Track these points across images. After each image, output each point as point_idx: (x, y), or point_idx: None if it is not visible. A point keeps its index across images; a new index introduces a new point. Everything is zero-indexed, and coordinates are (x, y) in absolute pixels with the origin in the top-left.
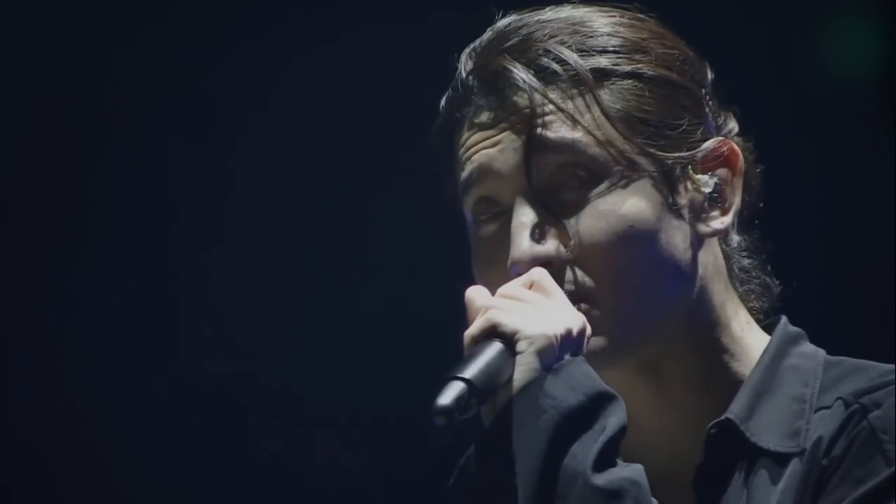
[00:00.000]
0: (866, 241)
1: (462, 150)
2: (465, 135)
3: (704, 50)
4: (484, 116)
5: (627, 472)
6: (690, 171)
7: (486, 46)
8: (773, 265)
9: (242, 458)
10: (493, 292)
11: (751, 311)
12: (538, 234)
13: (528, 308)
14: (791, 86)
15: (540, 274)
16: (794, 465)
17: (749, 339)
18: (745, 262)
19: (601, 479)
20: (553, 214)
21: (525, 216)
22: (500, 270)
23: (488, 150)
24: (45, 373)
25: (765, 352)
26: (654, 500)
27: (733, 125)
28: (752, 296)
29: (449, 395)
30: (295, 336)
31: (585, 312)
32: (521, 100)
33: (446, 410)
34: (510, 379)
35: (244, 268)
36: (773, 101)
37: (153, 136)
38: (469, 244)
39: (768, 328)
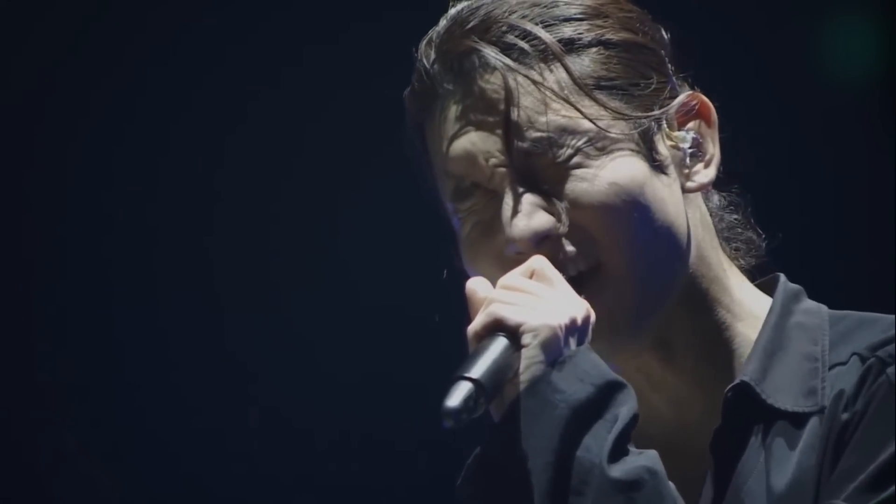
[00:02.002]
0: (866, 241)
1: (437, 140)
2: (439, 124)
3: (705, 50)
4: (455, 102)
5: (643, 460)
6: (666, 129)
7: (446, 32)
8: (773, 265)
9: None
10: (487, 276)
11: (740, 269)
12: (529, 211)
13: (531, 299)
14: (791, 86)
15: (540, 262)
16: (813, 424)
17: (746, 298)
18: (730, 218)
19: (618, 471)
20: (540, 190)
21: (513, 195)
22: (493, 254)
23: (466, 134)
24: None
25: (770, 311)
26: (671, 485)
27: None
28: (739, 254)
29: (457, 396)
30: (291, 337)
31: (595, 290)
32: (492, 80)
33: (455, 412)
34: (517, 373)
35: (238, 266)
36: (773, 101)
37: (137, 140)
38: (447, 235)
39: (765, 286)
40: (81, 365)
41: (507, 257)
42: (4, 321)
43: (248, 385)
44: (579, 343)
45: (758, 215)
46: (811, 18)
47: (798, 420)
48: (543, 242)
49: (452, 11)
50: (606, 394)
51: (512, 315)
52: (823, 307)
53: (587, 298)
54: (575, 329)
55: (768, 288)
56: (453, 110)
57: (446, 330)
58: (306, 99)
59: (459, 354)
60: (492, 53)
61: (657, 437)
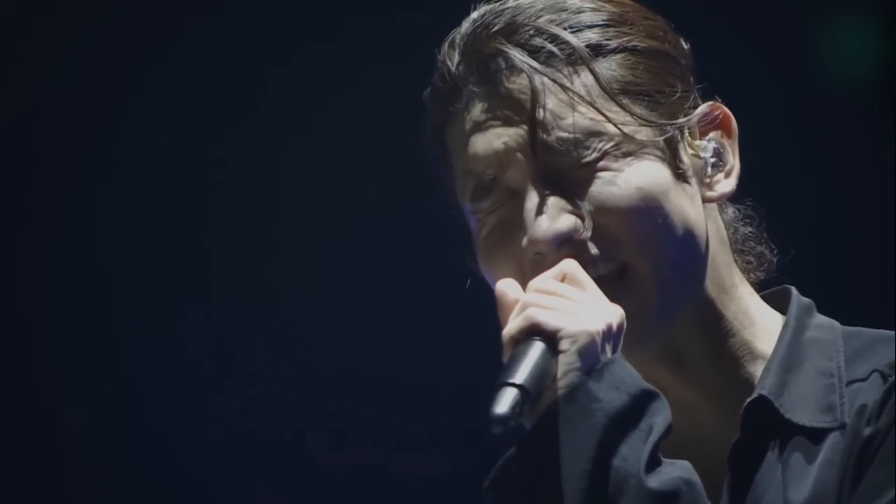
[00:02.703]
0: (866, 242)
1: (461, 141)
2: (462, 124)
3: (705, 50)
4: (481, 103)
5: (679, 471)
6: (688, 137)
7: (471, 34)
8: (775, 267)
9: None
10: (507, 279)
11: (750, 283)
12: (552, 213)
13: (567, 303)
14: (791, 86)
15: (571, 266)
16: (832, 440)
17: (758, 311)
18: (744, 230)
19: (655, 482)
20: (564, 193)
21: (537, 196)
22: (513, 255)
23: (491, 135)
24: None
25: (785, 325)
26: (704, 495)
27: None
28: (751, 267)
29: (505, 402)
30: (292, 334)
31: (618, 294)
32: (518, 82)
33: (504, 419)
34: (554, 379)
35: (239, 264)
36: (773, 101)
37: (141, 135)
38: (461, 237)
39: (774, 298)
40: (82, 365)
41: (527, 259)
42: (6, 321)
43: (250, 384)
44: (613, 349)
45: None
46: (811, 19)
47: (817, 435)
48: (565, 244)
49: (475, 14)
50: (642, 403)
51: (550, 320)
52: (836, 323)
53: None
54: (610, 335)
55: (778, 300)
56: (478, 109)
57: (458, 327)
58: (310, 97)
59: (469, 351)
60: (518, 56)
61: (666, 448)
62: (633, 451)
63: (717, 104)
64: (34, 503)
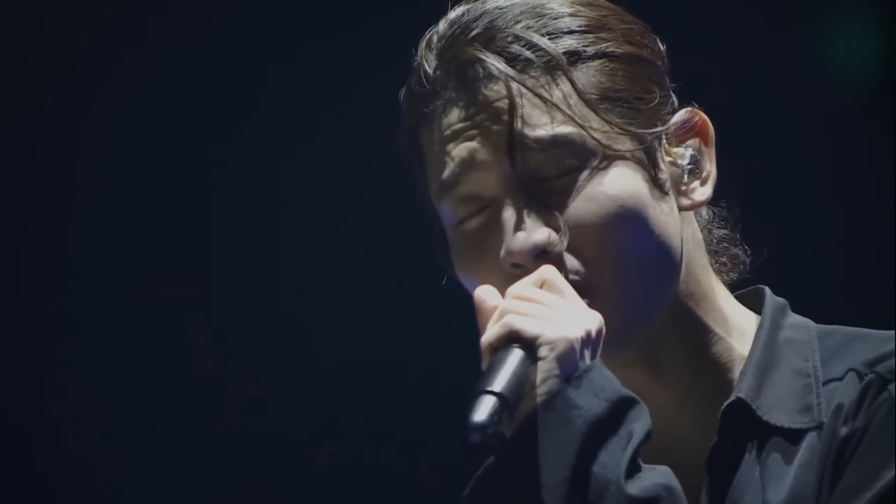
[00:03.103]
0: (866, 242)
1: (436, 147)
2: (438, 131)
3: (705, 50)
4: (457, 110)
5: (659, 476)
6: (666, 145)
7: (449, 38)
8: (771, 265)
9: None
10: (486, 285)
11: (724, 283)
12: (529, 224)
13: (545, 310)
14: (791, 86)
15: (550, 272)
16: (810, 440)
17: (732, 313)
18: (719, 232)
19: (635, 488)
20: (542, 203)
21: (514, 206)
22: (489, 265)
23: (468, 143)
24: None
25: (760, 327)
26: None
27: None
28: (725, 268)
29: (483, 410)
30: (294, 333)
31: (596, 302)
32: (496, 90)
33: (482, 427)
34: (533, 386)
35: (239, 263)
36: (773, 101)
37: (142, 136)
38: (437, 238)
39: (748, 299)
40: (82, 364)
41: (504, 269)
42: (6, 321)
43: (251, 384)
44: (592, 356)
45: (757, 216)
46: (811, 19)
47: (794, 436)
48: (542, 256)
49: (453, 15)
50: (621, 409)
51: (528, 327)
52: (810, 322)
53: None
54: (589, 341)
55: (752, 300)
56: (455, 116)
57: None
58: (311, 97)
59: (471, 351)
60: (497, 64)
61: (644, 452)
62: (612, 458)
63: (695, 110)
64: (34, 503)
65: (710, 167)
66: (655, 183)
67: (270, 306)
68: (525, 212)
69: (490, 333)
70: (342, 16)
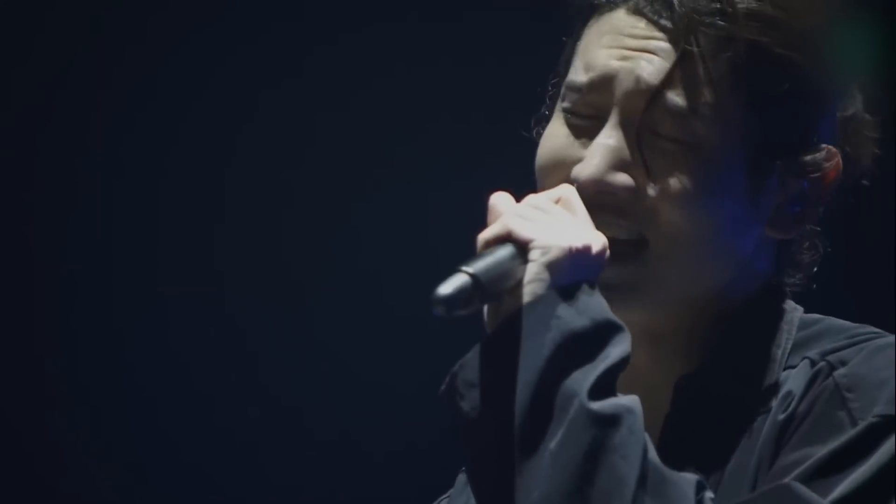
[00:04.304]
0: (866, 242)
1: (597, 36)
2: (609, 24)
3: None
4: (634, 19)
5: (624, 400)
6: (788, 172)
7: None
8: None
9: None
10: (545, 184)
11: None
12: (613, 162)
13: (547, 218)
14: None
15: (568, 191)
16: (758, 423)
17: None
18: (801, 257)
19: (597, 405)
20: (641, 150)
21: (614, 138)
22: (560, 167)
23: (624, 54)
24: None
25: (743, 308)
26: (645, 432)
27: (844, 124)
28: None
29: (451, 284)
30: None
31: (627, 260)
32: (676, 28)
33: (446, 300)
34: (518, 285)
35: (246, 265)
36: None
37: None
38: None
39: None
40: (87, 361)
41: (568, 175)
42: (11, 315)
43: (251, 383)
44: (589, 275)
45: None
46: (811, 19)
47: (744, 417)
48: (604, 196)
49: None
50: (603, 331)
51: (524, 229)
52: (799, 310)
53: (614, 261)
54: (587, 257)
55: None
56: (628, 23)
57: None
58: (319, 96)
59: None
60: (694, 15)
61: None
62: (582, 373)
63: (835, 153)
64: (34, 503)
65: (814, 213)
66: (753, 199)
67: (273, 305)
68: (620, 150)
69: (487, 231)
70: (350, 17)
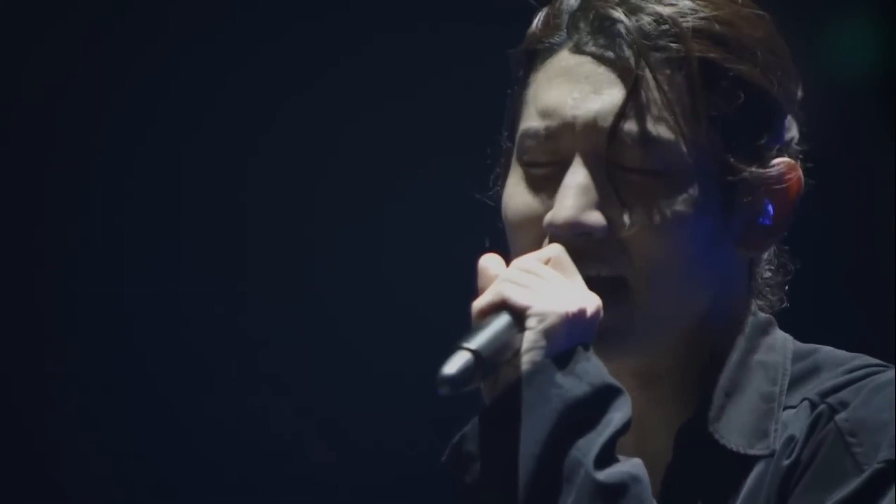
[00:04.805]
0: (866, 241)
1: (545, 78)
2: (554, 66)
3: None
4: (581, 57)
5: (629, 466)
6: (754, 187)
7: None
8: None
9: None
10: (517, 229)
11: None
12: (586, 202)
13: (541, 283)
14: None
15: (557, 250)
16: (760, 468)
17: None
18: (766, 275)
19: (603, 474)
20: (609, 186)
21: (582, 177)
22: (531, 219)
23: (576, 92)
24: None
25: (734, 347)
26: (653, 499)
27: (794, 133)
28: (760, 308)
29: (455, 364)
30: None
31: (612, 303)
32: (624, 58)
33: (452, 380)
34: (516, 354)
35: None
36: None
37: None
38: (498, 160)
39: None
40: (93, 356)
41: (541, 229)
42: (12, 317)
43: (252, 382)
44: (584, 338)
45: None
46: (811, 19)
47: (747, 462)
48: (582, 238)
49: None
50: (603, 396)
51: (519, 297)
52: (790, 341)
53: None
54: (582, 321)
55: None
56: (575, 61)
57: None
58: (337, 101)
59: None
60: (637, 37)
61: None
62: (586, 443)
63: (795, 165)
64: (34, 500)
65: (783, 226)
66: (725, 218)
67: (276, 304)
68: (589, 188)
69: (482, 299)
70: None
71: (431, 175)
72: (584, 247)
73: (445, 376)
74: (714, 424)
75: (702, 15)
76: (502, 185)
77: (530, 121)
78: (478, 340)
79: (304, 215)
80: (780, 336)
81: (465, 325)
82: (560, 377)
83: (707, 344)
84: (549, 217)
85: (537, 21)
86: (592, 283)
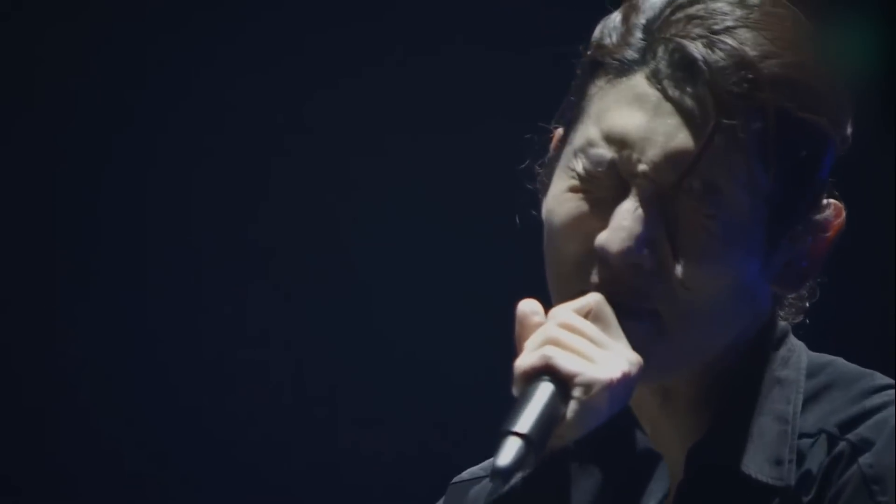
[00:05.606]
0: (866, 242)
1: (612, 100)
2: (624, 89)
3: None
4: (657, 87)
5: None
6: (801, 231)
7: (680, 16)
8: None
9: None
10: (561, 246)
11: None
12: (642, 236)
13: (587, 346)
14: None
15: (598, 302)
16: (776, 501)
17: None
18: (789, 299)
19: None
20: (666, 225)
21: (640, 207)
22: (578, 239)
23: (647, 124)
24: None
25: (751, 362)
26: None
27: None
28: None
29: (508, 454)
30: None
31: (642, 333)
32: (703, 99)
33: (507, 472)
34: (560, 423)
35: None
36: None
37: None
38: (537, 179)
39: None
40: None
41: (585, 251)
42: (18, 316)
43: (252, 382)
44: (623, 401)
45: None
46: (811, 19)
47: (761, 491)
48: (632, 269)
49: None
50: (641, 470)
51: (567, 364)
52: (804, 353)
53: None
54: (625, 386)
55: None
56: (649, 90)
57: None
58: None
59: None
60: (719, 81)
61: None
62: None
63: (841, 209)
64: (33, 497)
65: (817, 270)
66: (766, 258)
67: (281, 301)
68: (645, 220)
69: (527, 361)
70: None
71: (450, 178)
72: (627, 277)
73: (501, 468)
74: (726, 444)
75: (782, 61)
76: (547, 181)
77: (594, 138)
78: (526, 422)
79: (320, 215)
80: (795, 347)
81: (470, 326)
82: (597, 457)
83: (727, 361)
84: (602, 239)
85: (608, 31)
86: (628, 314)
